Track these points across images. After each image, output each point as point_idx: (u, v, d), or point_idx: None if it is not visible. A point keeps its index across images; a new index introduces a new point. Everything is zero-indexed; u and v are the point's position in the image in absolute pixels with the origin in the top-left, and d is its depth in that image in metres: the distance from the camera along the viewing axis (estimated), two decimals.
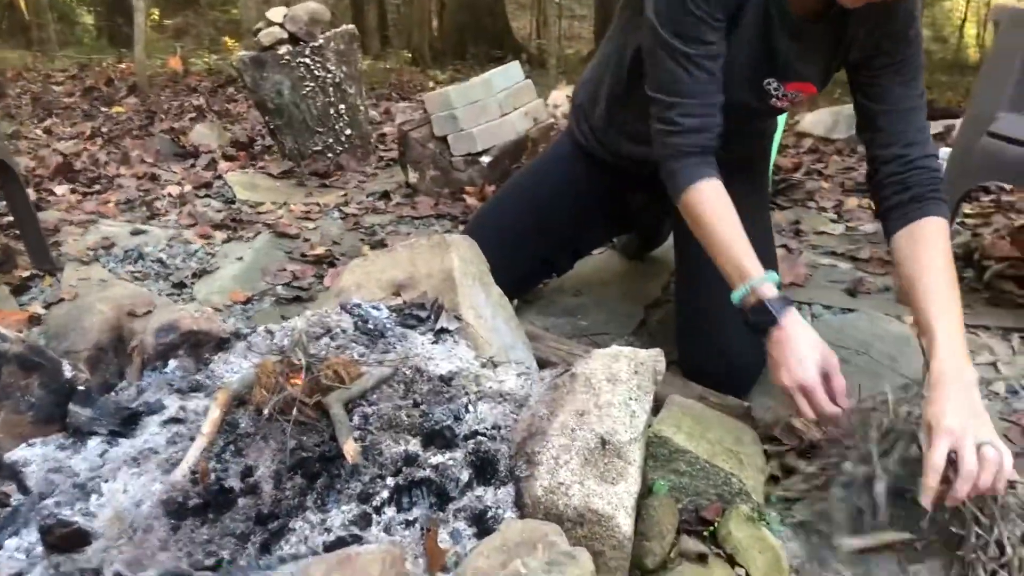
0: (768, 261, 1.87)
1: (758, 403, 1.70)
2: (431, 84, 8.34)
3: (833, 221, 3.07)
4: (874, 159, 1.55)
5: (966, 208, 3.06)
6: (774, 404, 1.71)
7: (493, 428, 1.25)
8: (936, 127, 4.45)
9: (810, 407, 1.33)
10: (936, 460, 1.16)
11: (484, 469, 1.18)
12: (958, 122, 2.89)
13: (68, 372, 1.39)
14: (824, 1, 1.48)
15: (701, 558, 1.21)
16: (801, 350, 1.34)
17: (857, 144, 4.08)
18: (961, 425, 1.17)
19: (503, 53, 10.72)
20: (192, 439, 1.20)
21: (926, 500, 1.17)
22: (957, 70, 14.08)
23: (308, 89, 3.74)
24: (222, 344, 1.52)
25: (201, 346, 1.52)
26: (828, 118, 4.65)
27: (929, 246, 1.41)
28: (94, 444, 1.27)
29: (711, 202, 1.48)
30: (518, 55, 9.29)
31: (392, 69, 10.30)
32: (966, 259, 2.56)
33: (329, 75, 3.77)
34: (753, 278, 1.39)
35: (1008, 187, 3.29)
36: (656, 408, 1.40)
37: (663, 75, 1.51)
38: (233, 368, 1.45)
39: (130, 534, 1.08)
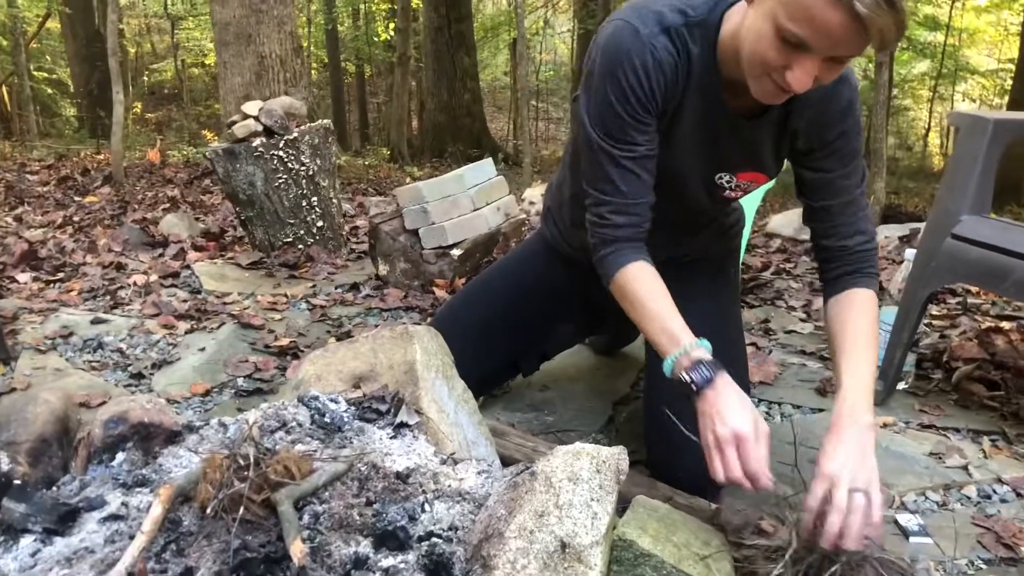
0: (738, 359, 1.86)
1: (727, 505, 1.65)
2: (408, 180, 8.44)
3: (802, 320, 3.08)
4: (817, 245, 1.64)
5: (933, 310, 3.08)
6: (744, 507, 1.66)
7: (449, 529, 1.19)
8: (903, 230, 4.54)
9: (738, 463, 1.30)
10: (809, 502, 1.25)
11: (438, 573, 1.12)
12: (923, 225, 2.93)
13: (5, 465, 1.32)
14: (760, 103, 1.51)
15: None
16: (736, 402, 1.33)
17: None
18: (839, 469, 1.25)
19: (480, 152, 10.92)
20: (132, 537, 1.14)
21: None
22: (923, 177, 14.53)
23: (280, 181, 3.74)
24: (173, 437, 1.46)
25: (151, 439, 1.45)
26: (796, 219, 4.73)
27: (856, 311, 1.51)
28: (27, 542, 1.19)
29: (640, 281, 1.51)
30: (495, 154, 9.46)
31: (371, 165, 10.45)
32: (934, 361, 2.56)
33: (303, 168, 3.79)
34: (686, 342, 1.39)
35: (974, 289, 3.33)
36: (622, 509, 1.35)
37: (595, 172, 1.54)
38: (182, 462, 1.39)
39: None
